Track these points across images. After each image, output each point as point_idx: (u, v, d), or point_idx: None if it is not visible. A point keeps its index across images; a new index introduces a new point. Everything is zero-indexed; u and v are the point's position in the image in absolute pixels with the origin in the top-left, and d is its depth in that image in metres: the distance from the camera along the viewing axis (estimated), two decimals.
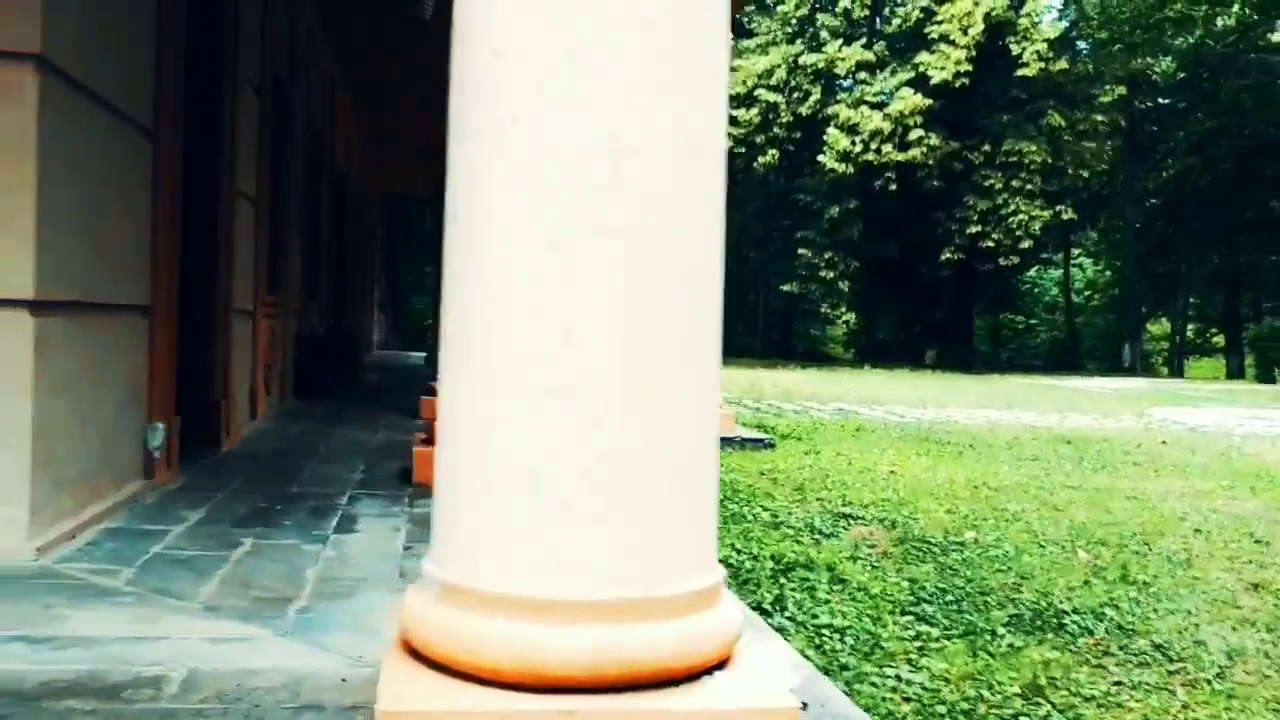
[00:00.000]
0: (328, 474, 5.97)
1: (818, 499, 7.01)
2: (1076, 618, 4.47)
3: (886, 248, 35.68)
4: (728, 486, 7.24)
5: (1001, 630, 4.24)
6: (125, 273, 4.76)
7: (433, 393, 9.43)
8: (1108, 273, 54.00)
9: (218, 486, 5.33)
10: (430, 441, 5.87)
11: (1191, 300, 48.16)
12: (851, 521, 6.28)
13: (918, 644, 4.04)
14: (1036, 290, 56.50)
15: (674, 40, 2.16)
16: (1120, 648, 4.15)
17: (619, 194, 2.10)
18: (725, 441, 9.26)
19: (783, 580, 4.84)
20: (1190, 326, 49.43)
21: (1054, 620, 4.43)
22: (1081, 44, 36.42)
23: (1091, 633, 4.31)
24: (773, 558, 5.21)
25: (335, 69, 13.26)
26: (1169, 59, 36.95)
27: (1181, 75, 39.65)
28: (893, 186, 32.16)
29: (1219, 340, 54.60)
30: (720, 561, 2.35)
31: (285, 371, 9.68)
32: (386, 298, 30.19)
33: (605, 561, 2.12)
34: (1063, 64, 32.33)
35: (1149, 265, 46.61)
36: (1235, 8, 36.39)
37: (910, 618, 4.38)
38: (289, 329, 9.88)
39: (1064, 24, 32.28)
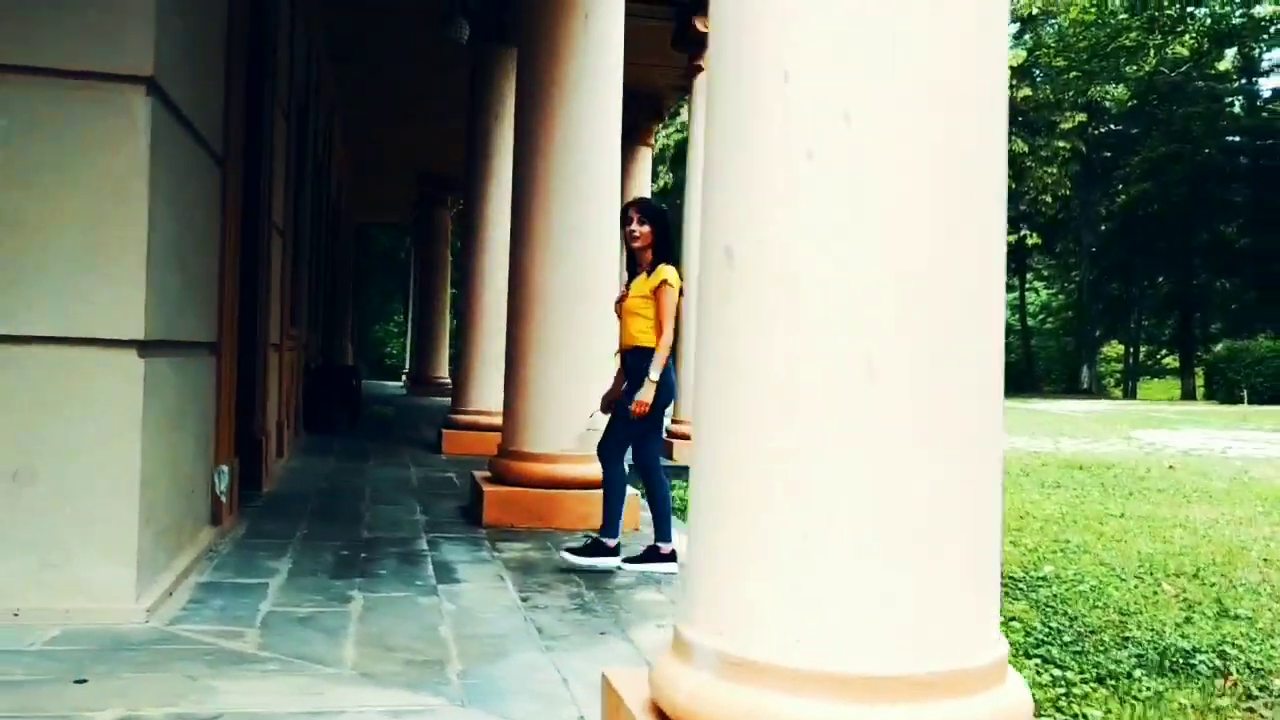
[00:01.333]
0: (390, 516, 5.72)
1: None
2: (1202, 657, 4.36)
3: None
4: None
5: (1137, 674, 4.11)
6: (202, 307, 4.51)
7: (452, 426, 9.20)
8: (1061, 296, 54.89)
9: (283, 531, 5.06)
10: (497, 480, 5.67)
11: (1144, 323, 49.12)
12: None
13: (1060, 690, 3.90)
14: None
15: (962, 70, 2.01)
16: (1260, 688, 4.04)
17: (915, 232, 1.93)
18: None
19: None
20: (1142, 349, 50.38)
21: (1180, 660, 4.31)
22: (1036, 71, 37.04)
23: (1224, 673, 4.19)
24: None
25: (336, 95, 13.01)
26: (1122, 87, 37.72)
27: (1133, 103, 40.47)
28: None
29: (1169, 362, 55.81)
30: None
31: (297, 406, 9.37)
32: (353, 326, 29.72)
33: (913, 630, 1.95)
34: (1026, 91, 32.87)
35: (1103, 288, 47.45)
36: (1188, 37, 37.30)
37: (1037, 660, 4.24)
38: (300, 362, 9.58)
39: (1023, 52, 32.77)
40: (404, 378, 23.91)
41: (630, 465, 4.80)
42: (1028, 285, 52.71)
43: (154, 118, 3.44)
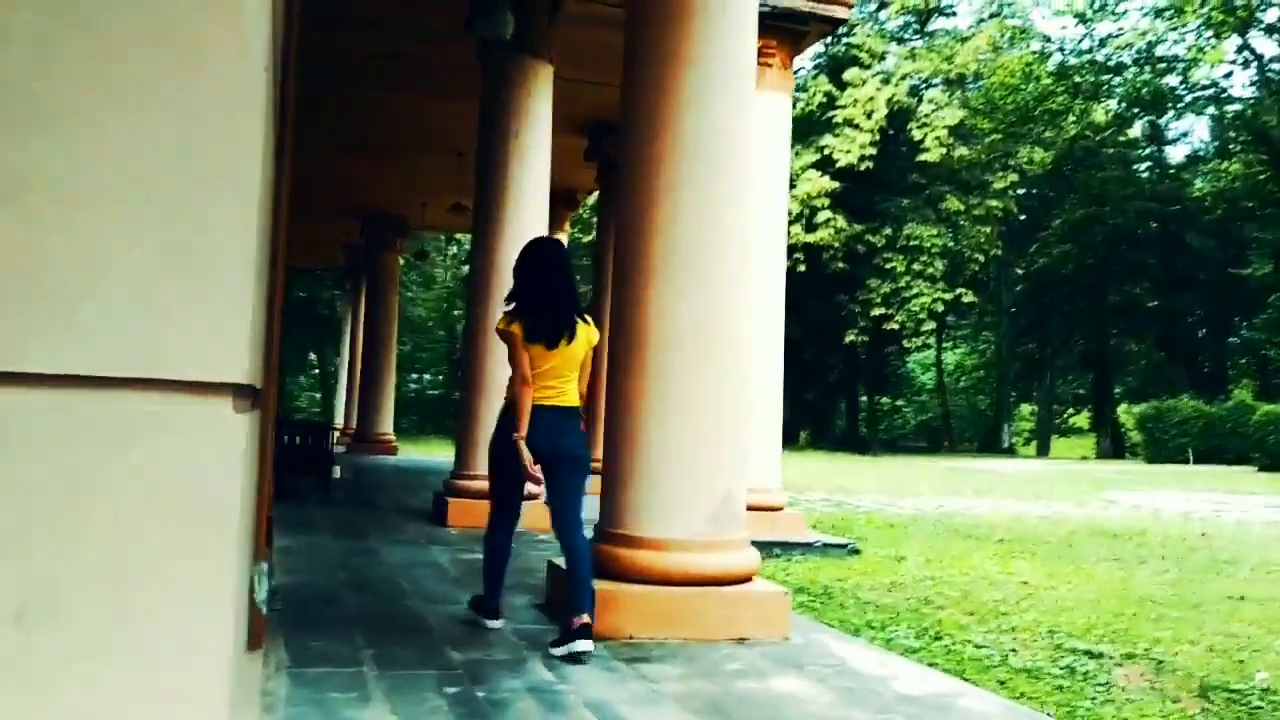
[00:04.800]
0: (461, 623, 4.40)
1: (998, 625, 5.79)
2: None
3: (789, 328, 35.38)
4: (886, 610, 5.96)
5: None
6: (258, 351, 3.20)
7: (457, 493, 7.85)
8: (974, 356, 55.63)
9: (341, 654, 3.73)
10: (598, 573, 4.41)
11: (1059, 381, 49.91)
12: (1088, 659, 5.08)
13: None
14: (901, 372, 57.72)
15: None
16: None
17: None
18: (804, 547, 7.99)
19: None
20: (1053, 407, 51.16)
21: None
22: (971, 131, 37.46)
23: None
24: None
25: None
26: (1041, 150, 38.38)
27: (1049, 165, 41.25)
28: (801, 267, 31.93)
29: (1076, 421, 56.86)
30: None
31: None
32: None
33: None
34: (964, 150, 33.03)
35: (1020, 348, 48.11)
36: (1113, 103, 38.23)
37: None
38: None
39: (961, 111, 33.00)
40: (336, 433, 22.17)
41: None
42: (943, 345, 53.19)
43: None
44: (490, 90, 8.04)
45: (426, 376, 47.20)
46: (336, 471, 10.20)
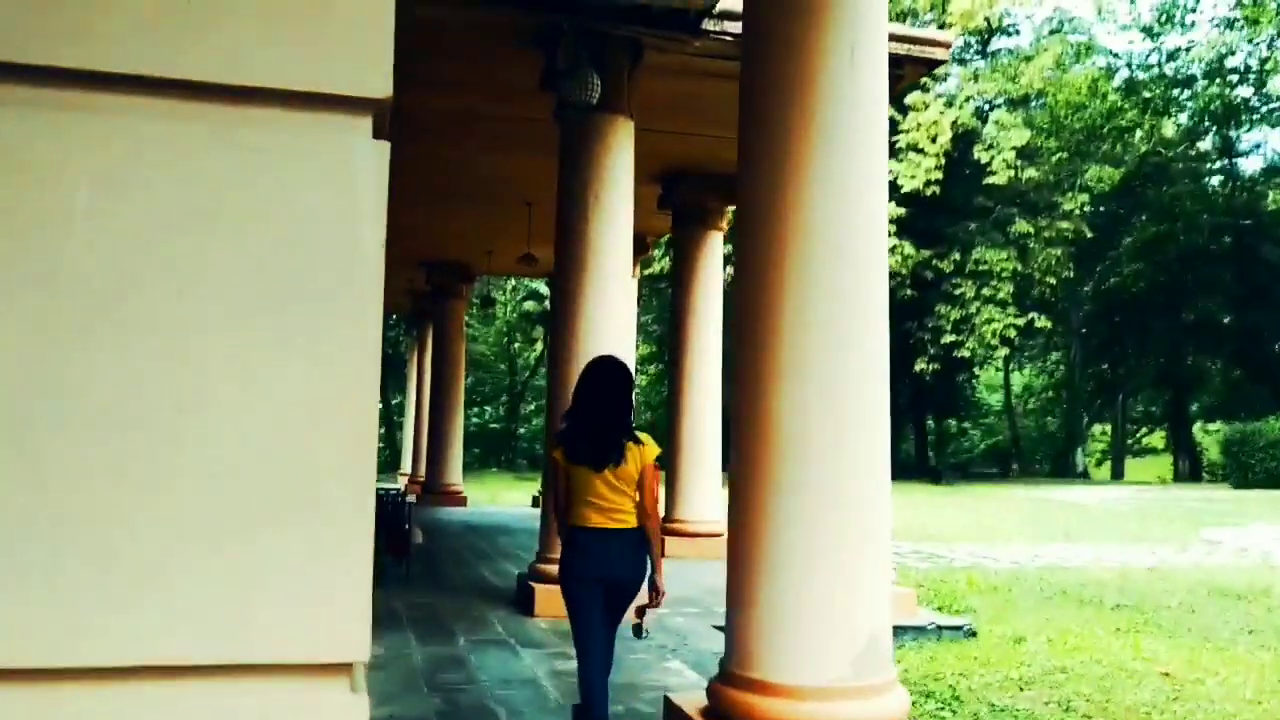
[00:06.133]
0: None
1: None
2: None
3: None
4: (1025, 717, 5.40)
5: None
6: None
7: (542, 578, 7.42)
8: (1043, 377, 54.36)
9: None
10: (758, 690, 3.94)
11: (1133, 403, 48.51)
12: None
13: None
14: (969, 394, 56.58)
15: None
16: None
17: None
18: (916, 630, 7.42)
19: None
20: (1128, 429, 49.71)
21: None
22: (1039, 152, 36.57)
23: None
24: None
25: None
26: (1110, 168, 37.33)
27: (1117, 183, 40.19)
28: None
29: (1149, 441, 55.14)
30: None
31: None
32: None
33: None
34: (1032, 172, 32.17)
35: (1090, 368, 46.88)
36: (1183, 117, 37.15)
37: None
38: None
39: (1028, 132, 32.14)
40: (404, 480, 22.00)
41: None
42: (1011, 367, 52.03)
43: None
44: (569, 150, 7.65)
45: (489, 409, 47.18)
46: (418, 536, 9.85)
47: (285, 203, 1.48)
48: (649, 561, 4.05)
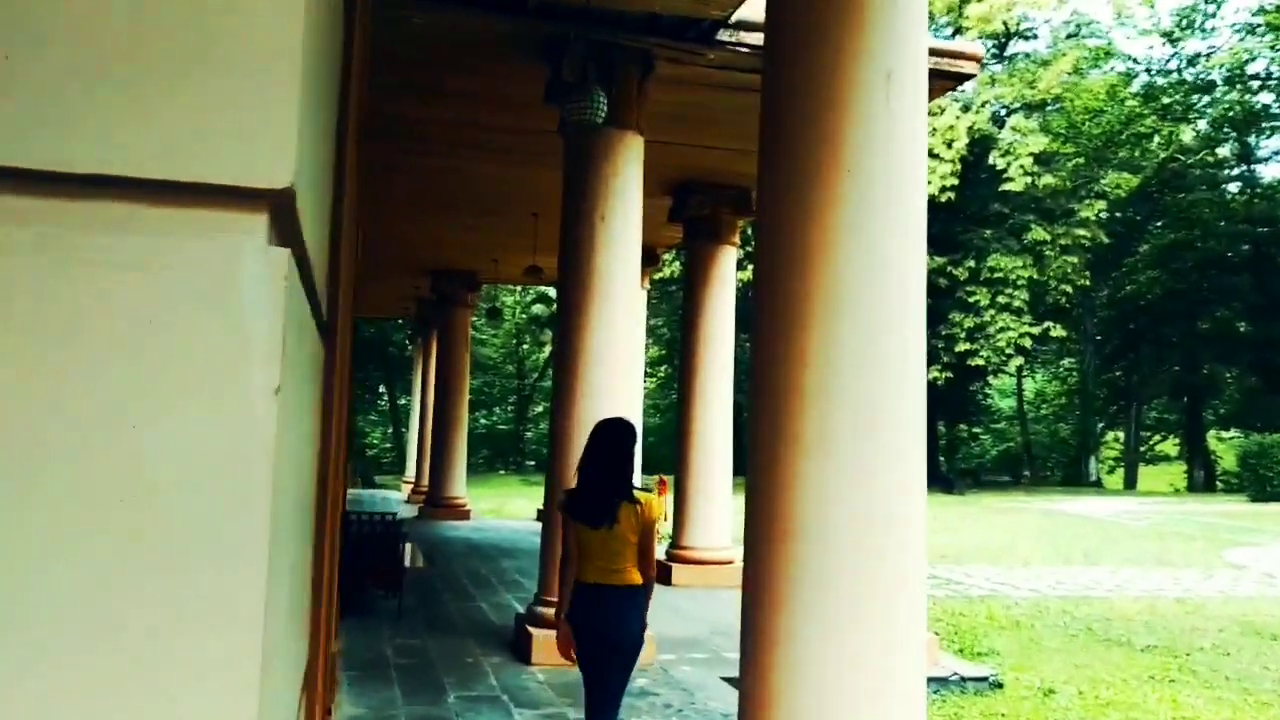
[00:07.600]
0: None
1: None
2: None
3: None
4: None
5: None
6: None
7: (541, 623, 7.00)
8: (1056, 383, 53.76)
9: None
10: None
11: (1145, 410, 47.87)
12: None
13: None
14: (981, 400, 55.99)
15: None
16: None
17: None
18: (939, 683, 6.96)
19: None
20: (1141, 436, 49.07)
21: None
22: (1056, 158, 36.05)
23: None
24: None
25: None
26: (1128, 174, 36.76)
27: (1134, 189, 39.66)
28: None
29: (1163, 449, 54.42)
30: None
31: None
32: (351, 430, 27.46)
33: None
34: (1049, 178, 31.63)
35: (1104, 375, 46.30)
36: (1202, 123, 36.56)
37: None
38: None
39: (1046, 138, 31.61)
40: (408, 489, 21.62)
41: None
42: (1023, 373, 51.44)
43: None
44: (575, 166, 7.22)
45: (497, 411, 46.82)
46: (418, 559, 9.42)
47: (133, 342, 1.05)
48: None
